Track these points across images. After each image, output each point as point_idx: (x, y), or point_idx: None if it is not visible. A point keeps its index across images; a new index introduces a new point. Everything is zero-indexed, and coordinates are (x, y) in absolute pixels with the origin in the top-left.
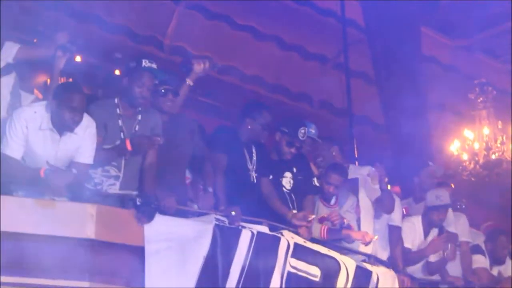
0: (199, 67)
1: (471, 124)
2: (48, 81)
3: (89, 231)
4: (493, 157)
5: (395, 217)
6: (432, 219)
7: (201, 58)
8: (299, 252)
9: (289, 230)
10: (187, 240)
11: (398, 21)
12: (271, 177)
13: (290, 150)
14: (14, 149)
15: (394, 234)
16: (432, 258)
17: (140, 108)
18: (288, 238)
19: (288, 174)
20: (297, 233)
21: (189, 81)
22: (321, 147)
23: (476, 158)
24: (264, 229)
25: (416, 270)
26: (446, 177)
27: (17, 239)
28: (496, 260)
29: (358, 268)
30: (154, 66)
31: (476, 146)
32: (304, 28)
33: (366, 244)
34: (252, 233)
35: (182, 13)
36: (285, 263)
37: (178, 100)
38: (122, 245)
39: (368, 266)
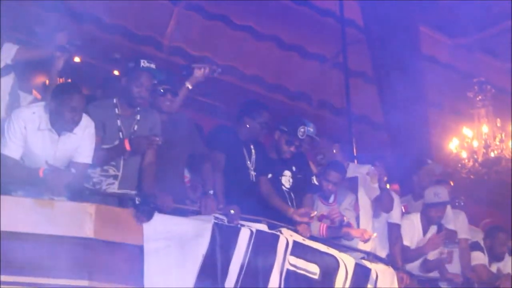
0: (199, 72)
1: (470, 122)
2: (47, 81)
3: (88, 230)
4: (492, 155)
5: (395, 214)
6: (430, 216)
7: (201, 63)
8: (298, 250)
9: (288, 228)
10: (186, 238)
11: (397, 21)
12: (270, 175)
13: (290, 149)
14: (12, 150)
15: (394, 232)
16: (431, 256)
17: (139, 108)
18: (287, 236)
19: (287, 173)
20: (296, 231)
21: (188, 85)
22: (322, 144)
23: (475, 156)
24: (263, 227)
25: (414, 267)
26: (445, 175)
27: (16, 239)
28: (495, 257)
29: (357, 265)
30: (152, 66)
31: (475, 144)
32: (303, 28)
33: (365, 241)
34: (251, 231)
35: (181, 13)
36: (284, 261)
37: (177, 100)
38: (121, 244)
39: (367, 264)
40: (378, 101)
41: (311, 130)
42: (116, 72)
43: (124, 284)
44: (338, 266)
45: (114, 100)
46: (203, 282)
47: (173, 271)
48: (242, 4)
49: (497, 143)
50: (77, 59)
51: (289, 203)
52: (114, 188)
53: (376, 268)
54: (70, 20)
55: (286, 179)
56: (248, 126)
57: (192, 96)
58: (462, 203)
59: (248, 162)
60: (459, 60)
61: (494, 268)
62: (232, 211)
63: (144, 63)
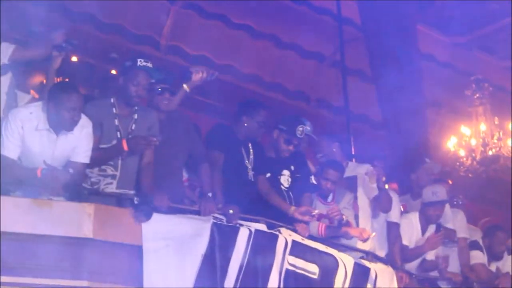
0: (197, 77)
1: (468, 120)
2: (44, 81)
3: (87, 230)
4: (490, 153)
5: (393, 214)
6: (429, 215)
7: (199, 67)
8: (297, 249)
9: (287, 228)
10: (185, 238)
11: (394, 19)
12: (268, 175)
13: (288, 148)
14: (10, 150)
15: (393, 231)
16: (429, 256)
17: (136, 107)
18: (286, 236)
19: (286, 172)
20: (295, 231)
21: (186, 87)
22: (322, 143)
23: (473, 154)
24: (262, 227)
25: (412, 267)
26: (443, 173)
27: (15, 239)
28: (494, 256)
29: (356, 265)
30: (149, 65)
31: (473, 142)
32: (301, 26)
33: (364, 241)
34: (250, 231)
35: (178, 12)
36: (283, 261)
37: (175, 100)
38: (120, 244)
39: (366, 263)
40: (375, 99)
41: (308, 128)
42: (113, 72)
43: (123, 284)
44: (337, 265)
45: (112, 100)
46: (202, 282)
47: (172, 271)
48: (239, 3)
49: (495, 141)
50: (74, 59)
51: (288, 203)
52: (112, 188)
53: (375, 268)
54: (67, 20)
55: (285, 179)
56: (246, 125)
57: (190, 95)
58: (460, 202)
59: (247, 161)
60: (456, 58)
61: (493, 267)
62: (231, 211)
63: (141, 62)
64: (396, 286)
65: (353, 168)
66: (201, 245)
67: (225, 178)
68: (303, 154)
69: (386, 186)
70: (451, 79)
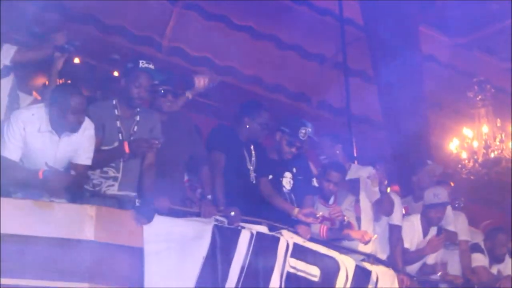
0: (200, 84)
1: (470, 122)
2: (47, 82)
3: (88, 233)
4: (492, 155)
5: (395, 216)
6: (430, 217)
7: (202, 75)
8: (299, 252)
9: (289, 230)
10: (187, 240)
11: (396, 20)
12: (270, 177)
13: (291, 150)
14: (12, 151)
15: (394, 233)
16: (430, 260)
17: (138, 109)
18: (287, 238)
19: (288, 174)
20: (297, 233)
21: (188, 94)
22: (325, 145)
23: (475, 157)
24: (264, 229)
25: (413, 270)
26: (445, 175)
27: (16, 241)
28: (495, 259)
29: (358, 267)
30: (151, 66)
31: (475, 144)
32: (302, 27)
33: (365, 243)
34: (252, 233)
35: (180, 13)
36: (284, 263)
37: (177, 102)
38: (122, 246)
39: (367, 266)
40: (377, 100)
41: (309, 130)
42: (115, 73)
43: (125, 286)
44: (339, 268)
45: (114, 101)
46: (203, 284)
47: (173, 273)
48: (241, 4)
49: (497, 143)
50: (76, 60)
51: None
52: (114, 190)
53: (377, 270)
54: (69, 21)
55: (287, 181)
56: (248, 126)
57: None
58: (462, 205)
59: (249, 163)
60: (458, 60)
61: (494, 269)
62: (232, 213)
63: (142, 63)
64: None
65: (355, 171)
66: (202, 247)
67: (227, 180)
68: (305, 156)
69: (388, 190)
70: (453, 80)
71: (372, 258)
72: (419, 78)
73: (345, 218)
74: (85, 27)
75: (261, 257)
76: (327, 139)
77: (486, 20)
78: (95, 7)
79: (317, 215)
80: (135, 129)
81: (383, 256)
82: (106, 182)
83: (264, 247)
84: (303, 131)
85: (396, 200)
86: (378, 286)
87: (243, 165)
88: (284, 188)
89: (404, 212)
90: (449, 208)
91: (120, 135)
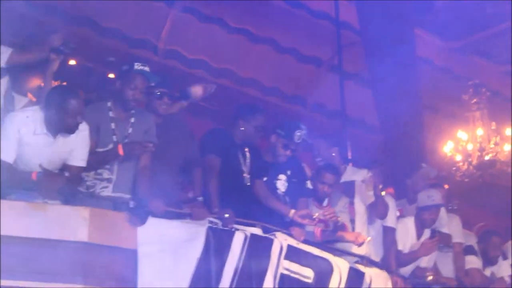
0: (196, 95)
1: (465, 125)
2: (42, 84)
3: (82, 234)
4: (487, 158)
5: (390, 218)
6: (424, 219)
7: (197, 85)
8: (292, 254)
9: (282, 232)
10: (180, 242)
11: (392, 23)
12: (265, 179)
13: (286, 153)
14: (6, 153)
15: (388, 235)
16: (423, 263)
17: (133, 111)
18: (281, 240)
19: (282, 177)
20: (290, 235)
21: (184, 102)
22: (322, 147)
23: (470, 159)
24: (258, 231)
25: (406, 272)
26: (439, 178)
27: (9, 243)
28: (489, 261)
29: (351, 269)
30: (146, 69)
31: (470, 147)
32: (299, 30)
33: (359, 245)
34: (245, 235)
35: (176, 16)
36: (278, 265)
37: (174, 105)
38: (115, 247)
39: (361, 268)
40: (373, 104)
41: (304, 133)
42: (111, 75)
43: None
44: (332, 270)
45: (109, 103)
46: (197, 285)
47: (167, 274)
48: (237, 6)
49: (492, 146)
50: (72, 62)
51: None
52: (108, 192)
53: (370, 272)
54: (65, 23)
55: (281, 183)
56: (242, 129)
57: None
58: (456, 207)
59: (243, 165)
60: (454, 63)
61: (488, 272)
62: (226, 215)
63: (137, 65)
64: None
65: (351, 173)
66: (196, 249)
67: (221, 182)
68: (299, 159)
69: (383, 193)
70: (448, 84)
71: (366, 260)
72: (414, 81)
73: (339, 219)
74: (81, 29)
75: (254, 259)
76: (323, 141)
77: (481, 24)
78: (91, 9)
79: (314, 217)
80: (130, 131)
81: (377, 258)
82: (100, 183)
83: (258, 249)
84: (298, 133)
85: (391, 202)
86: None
87: (238, 167)
88: (278, 191)
89: (398, 214)
90: (443, 210)
91: (114, 137)
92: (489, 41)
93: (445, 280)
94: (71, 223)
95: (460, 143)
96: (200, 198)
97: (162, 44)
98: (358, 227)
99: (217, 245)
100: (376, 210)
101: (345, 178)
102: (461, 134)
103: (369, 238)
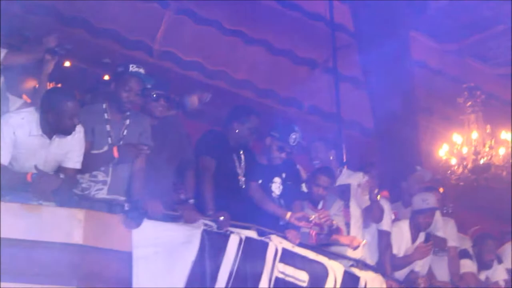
0: (193, 105)
1: (459, 128)
2: (37, 85)
3: (77, 236)
4: (482, 161)
5: (385, 222)
6: (418, 223)
7: (193, 96)
8: (287, 257)
9: (278, 235)
10: (175, 245)
11: (387, 26)
12: (260, 181)
13: (281, 155)
14: (1, 155)
15: (383, 239)
16: (417, 267)
17: (128, 113)
18: (276, 243)
19: (277, 180)
20: (286, 238)
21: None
22: (320, 150)
23: (465, 163)
24: (253, 233)
25: (401, 276)
26: (434, 181)
27: (4, 245)
28: (484, 265)
29: (346, 273)
30: (141, 71)
31: (465, 150)
32: (293, 32)
33: (354, 248)
34: (240, 238)
35: (171, 18)
36: (273, 268)
37: (170, 108)
38: (110, 250)
39: (356, 271)
40: (368, 106)
41: (299, 135)
42: (106, 77)
43: None
44: (327, 273)
45: (104, 105)
46: None
47: (162, 277)
48: (232, 8)
49: (487, 149)
50: (67, 63)
51: None
52: (103, 194)
53: (365, 276)
54: (60, 24)
55: (276, 186)
56: (237, 131)
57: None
58: (450, 211)
59: (238, 168)
60: (449, 66)
61: (483, 276)
62: (221, 218)
63: (133, 67)
64: None
65: (346, 176)
66: (191, 251)
67: (216, 184)
68: (294, 162)
69: (379, 197)
70: (443, 86)
71: (361, 264)
72: (409, 84)
73: (334, 223)
74: (76, 30)
75: (249, 262)
76: (322, 144)
77: (476, 26)
78: (87, 10)
79: (310, 219)
80: (125, 133)
81: (372, 262)
82: (95, 186)
83: (253, 252)
84: (294, 136)
85: (386, 205)
86: None
87: (233, 169)
88: (273, 193)
89: (393, 217)
90: (438, 213)
91: (109, 139)
92: (484, 43)
93: (440, 284)
94: (66, 225)
95: (455, 146)
96: (191, 201)
97: (157, 46)
98: (353, 231)
99: (212, 248)
100: (372, 214)
101: (340, 181)
102: (456, 137)
103: (364, 241)
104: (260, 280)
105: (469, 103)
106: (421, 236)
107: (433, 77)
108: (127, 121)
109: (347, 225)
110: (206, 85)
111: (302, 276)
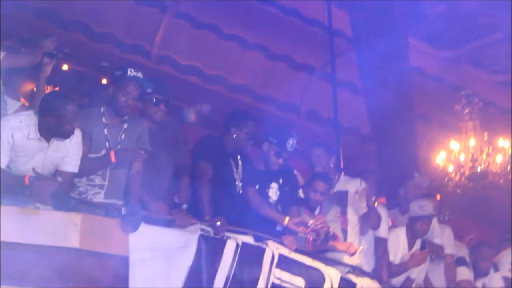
0: (192, 118)
1: (457, 135)
2: (35, 89)
3: (74, 240)
4: (479, 169)
5: (382, 229)
6: (415, 230)
7: (193, 109)
8: (284, 263)
9: (274, 241)
10: (172, 249)
11: (385, 32)
12: (257, 187)
13: (278, 161)
14: None
15: (380, 246)
16: (414, 274)
17: (126, 117)
18: (273, 249)
19: (274, 185)
20: (282, 244)
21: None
22: (322, 156)
23: (462, 170)
24: (249, 239)
25: (398, 283)
26: (431, 188)
27: (1, 248)
28: (480, 273)
29: (343, 279)
30: (139, 75)
31: (462, 157)
32: (291, 38)
33: (351, 255)
34: (237, 243)
35: (170, 22)
36: (269, 274)
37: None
38: (107, 254)
39: (352, 278)
40: (365, 112)
41: (296, 140)
42: (104, 81)
43: None
44: (324, 280)
45: (102, 109)
46: None
47: (158, 282)
48: (230, 13)
49: (484, 157)
50: (65, 67)
51: None
52: (100, 198)
53: (362, 282)
54: (58, 27)
55: (273, 192)
56: (234, 136)
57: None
58: (447, 218)
59: (235, 173)
60: (447, 73)
61: (479, 283)
62: (218, 223)
63: (131, 71)
64: None
65: (344, 182)
66: (188, 256)
67: (213, 189)
68: (291, 168)
69: (376, 204)
70: (441, 93)
71: (358, 270)
72: (407, 90)
73: (330, 229)
74: (75, 34)
75: (246, 267)
76: (323, 151)
77: (474, 34)
78: (85, 14)
79: (308, 224)
80: (123, 137)
81: (368, 268)
82: (93, 189)
83: (250, 258)
84: (291, 142)
85: (383, 212)
86: None
87: (230, 175)
88: (270, 199)
89: (390, 224)
90: (435, 221)
91: (107, 143)
92: (482, 50)
93: None
94: (63, 229)
95: (453, 154)
96: (185, 206)
97: (155, 50)
98: (350, 237)
99: (208, 253)
100: (369, 221)
101: (338, 187)
102: (454, 144)
103: (361, 248)
104: (257, 285)
105: (467, 110)
106: (418, 243)
107: (431, 83)
108: (125, 125)
109: (344, 231)
110: (203, 89)
111: (298, 282)
